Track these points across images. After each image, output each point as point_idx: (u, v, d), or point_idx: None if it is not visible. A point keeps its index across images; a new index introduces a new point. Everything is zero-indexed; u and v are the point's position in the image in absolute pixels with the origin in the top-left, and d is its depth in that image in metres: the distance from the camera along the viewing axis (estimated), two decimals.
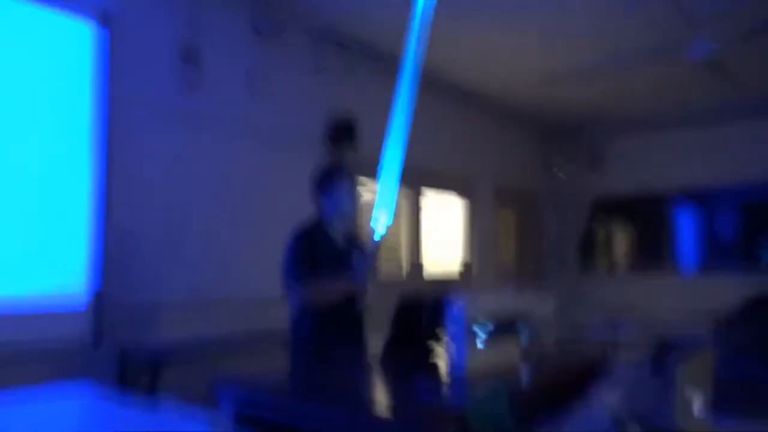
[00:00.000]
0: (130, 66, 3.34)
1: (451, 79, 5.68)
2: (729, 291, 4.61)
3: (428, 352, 2.23)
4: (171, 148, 3.53)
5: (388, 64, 5.03)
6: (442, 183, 6.05)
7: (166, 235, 3.47)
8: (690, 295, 6.46)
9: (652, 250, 7.34)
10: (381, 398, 1.78)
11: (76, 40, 3.02)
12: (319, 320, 2.40)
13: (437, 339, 2.09)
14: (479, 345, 1.95)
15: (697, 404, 1.30)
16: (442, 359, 2.11)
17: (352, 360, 2.20)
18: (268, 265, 3.97)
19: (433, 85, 5.63)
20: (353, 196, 2.59)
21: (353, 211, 2.62)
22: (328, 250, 2.46)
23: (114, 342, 3.13)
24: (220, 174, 3.82)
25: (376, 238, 2.45)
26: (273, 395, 1.63)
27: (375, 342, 2.32)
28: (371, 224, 2.45)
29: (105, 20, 3.11)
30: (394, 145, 2.54)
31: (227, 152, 3.85)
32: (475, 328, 1.92)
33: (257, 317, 3.94)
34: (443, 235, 6.22)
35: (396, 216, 5.60)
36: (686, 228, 7.12)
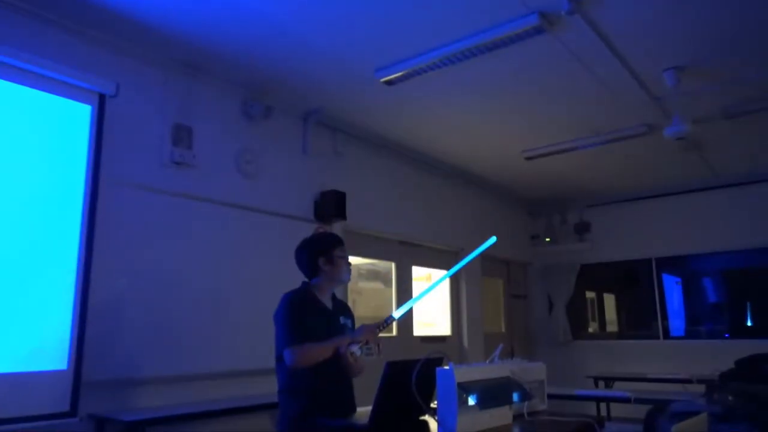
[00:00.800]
0: (122, 145, 3.43)
1: (439, 158, 5.88)
2: (717, 355, 4.61)
3: (418, 418, 2.19)
4: (158, 226, 3.56)
5: (369, 140, 5.22)
6: (429, 259, 6.10)
7: (150, 310, 3.45)
8: (679, 359, 6.44)
9: (640, 316, 7.37)
10: None
11: (74, 120, 3.10)
12: (311, 394, 2.36)
13: (427, 405, 2.05)
14: (470, 411, 1.92)
15: None
16: (432, 425, 2.07)
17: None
18: (253, 339, 3.97)
19: (422, 164, 5.82)
20: (349, 265, 2.60)
21: (348, 279, 2.63)
22: (319, 316, 2.45)
23: (92, 413, 3.07)
24: (209, 250, 3.84)
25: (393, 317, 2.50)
26: None
27: (364, 408, 2.28)
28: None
29: (102, 103, 3.21)
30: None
31: (215, 230, 3.90)
32: (466, 394, 1.90)
33: (239, 389, 3.89)
34: (433, 304, 6.21)
35: (387, 285, 5.64)
36: (672, 294, 7.19)
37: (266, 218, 4.27)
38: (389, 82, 4.01)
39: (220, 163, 4.03)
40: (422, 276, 6.09)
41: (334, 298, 2.64)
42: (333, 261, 2.53)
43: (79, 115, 3.13)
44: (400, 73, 3.87)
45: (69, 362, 2.91)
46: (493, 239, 2.62)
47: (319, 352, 2.32)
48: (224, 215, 3.98)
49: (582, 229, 7.58)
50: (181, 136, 3.76)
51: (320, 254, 2.54)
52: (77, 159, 3.09)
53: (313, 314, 2.43)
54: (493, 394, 2.02)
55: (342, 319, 2.57)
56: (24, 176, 2.86)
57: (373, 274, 5.58)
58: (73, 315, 2.95)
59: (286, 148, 4.56)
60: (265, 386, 4.01)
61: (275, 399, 3.76)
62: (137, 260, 3.43)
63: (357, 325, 2.61)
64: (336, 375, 2.41)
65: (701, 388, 3.86)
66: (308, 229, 4.51)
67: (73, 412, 2.90)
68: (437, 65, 3.75)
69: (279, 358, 2.41)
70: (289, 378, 2.40)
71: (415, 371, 1.98)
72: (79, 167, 3.09)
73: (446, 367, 1.94)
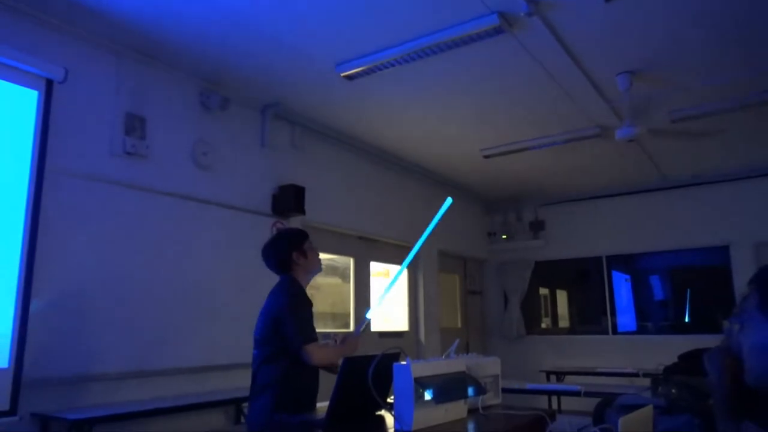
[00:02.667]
0: (71, 133, 3.31)
1: (398, 154, 5.89)
2: (662, 349, 4.80)
3: (374, 413, 2.20)
4: (109, 219, 3.45)
5: (328, 135, 5.19)
6: (387, 254, 6.12)
7: (103, 304, 3.35)
8: (627, 353, 6.68)
9: (591, 312, 7.60)
10: None
11: (19, 106, 2.96)
12: (296, 389, 2.39)
13: (384, 400, 2.06)
14: (426, 405, 1.94)
15: None
16: (388, 420, 2.08)
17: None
18: (207, 334, 3.90)
19: (381, 160, 5.82)
20: (318, 255, 2.68)
21: (321, 269, 2.71)
22: (311, 310, 2.53)
23: (35, 412, 2.95)
24: (162, 244, 3.74)
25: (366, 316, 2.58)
26: None
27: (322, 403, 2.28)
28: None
29: (49, 89, 3.07)
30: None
31: (169, 223, 3.79)
32: (422, 389, 1.91)
33: (192, 386, 3.81)
34: (390, 299, 6.23)
35: (345, 280, 5.62)
36: (620, 291, 7.44)
37: (223, 212, 4.19)
38: (350, 77, 3.99)
39: (175, 154, 3.92)
40: (380, 271, 6.11)
41: None
42: (305, 254, 2.59)
43: (25, 101, 2.99)
44: (360, 69, 3.86)
45: (10, 360, 2.79)
46: (448, 201, 2.70)
47: (337, 355, 2.42)
48: (179, 208, 3.88)
49: (537, 226, 7.76)
50: (134, 125, 3.65)
51: (293, 249, 2.58)
52: (23, 147, 2.95)
53: (308, 307, 2.52)
54: (448, 388, 2.04)
55: None
56: None
57: (331, 270, 5.56)
58: (15, 311, 2.83)
59: (244, 141, 4.49)
60: (219, 383, 3.95)
61: (229, 396, 3.74)
62: (86, 254, 3.31)
63: None
64: (316, 370, 2.49)
65: (647, 382, 4.00)
66: (266, 223, 4.51)
67: (12, 410, 2.79)
68: (398, 62, 3.76)
69: (273, 353, 2.39)
70: (276, 373, 2.38)
71: (371, 366, 1.98)
72: (24, 156, 2.95)
73: (403, 363, 1.96)
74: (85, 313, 3.27)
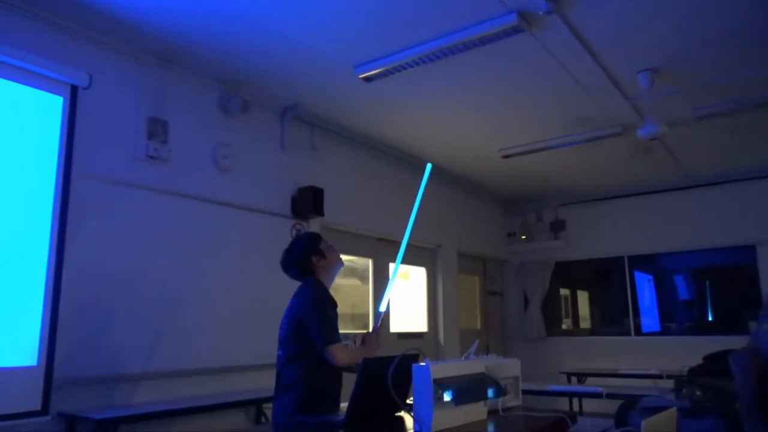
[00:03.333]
0: (95, 138, 3.37)
1: (417, 155, 5.89)
2: (686, 351, 4.72)
3: (394, 414, 2.20)
4: (133, 221, 3.51)
5: (347, 136, 5.21)
6: (406, 255, 6.10)
7: (127, 306, 3.41)
8: (650, 355, 6.58)
9: (612, 313, 7.50)
10: None
11: (45, 112, 3.03)
12: (320, 391, 2.42)
13: (403, 401, 2.06)
14: (445, 407, 1.93)
15: None
16: (408, 421, 2.08)
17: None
18: (230, 335, 3.94)
19: (400, 161, 5.83)
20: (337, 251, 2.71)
21: (343, 264, 2.74)
22: (335, 309, 2.56)
23: (62, 412, 3.01)
24: (185, 246, 3.80)
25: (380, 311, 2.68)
26: None
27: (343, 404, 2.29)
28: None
29: (74, 95, 3.14)
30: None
31: (191, 225, 3.85)
32: (441, 390, 1.91)
33: (215, 387, 3.85)
34: (410, 300, 6.23)
35: (364, 282, 5.64)
36: (643, 292, 7.33)
37: (243, 214, 4.23)
38: (368, 79, 4.01)
39: (196, 157, 3.98)
40: (399, 273, 6.11)
41: None
42: (323, 254, 2.62)
43: (51, 106, 3.06)
44: (379, 70, 3.87)
45: (39, 359, 2.85)
46: (429, 167, 2.70)
47: (360, 355, 2.41)
48: (200, 211, 3.93)
49: (557, 227, 7.68)
50: (156, 129, 3.70)
51: (310, 253, 2.61)
52: (49, 152, 3.02)
53: (333, 308, 2.54)
54: (468, 390, 2.03)
55: None
56: None
57: (350, 271, 5.58)
58: (44, 311, 2.89)
59: (264, 143, 4.53)
60: (241, 383, 3.99)
61: (251, 396, 3.78)
62: (112, 256, 3.37)
63: None
64: (339, 371, 2.51)
65: (671, 384, 3.94)
66: (286, 225, 4.55)
67: (44, 410, 2.84)
68: (416, 62, 3.76)
69: (297, 354, 2.43)
70: (300, 373, 2.42)
71: (391, 368, 1.98)
72: (50, 160, 3.02)
73: (422, 364, 1.95)
74: (111, 315, 3.33)
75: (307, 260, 2.60)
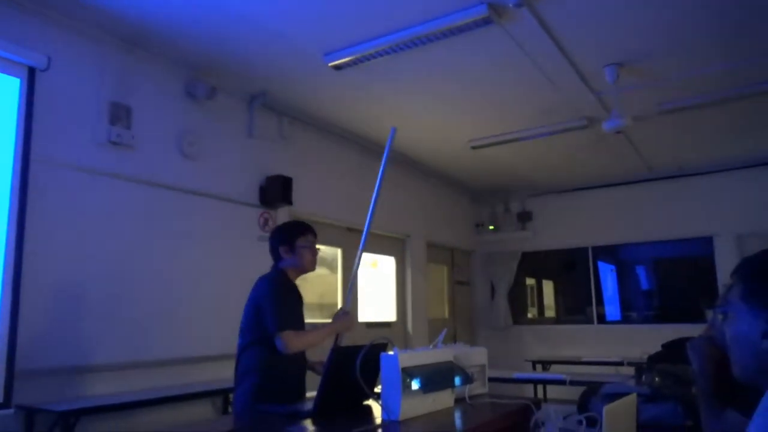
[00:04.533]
0: (55, 123, 3.26)
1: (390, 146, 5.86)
2: (646, 339, 4.86)
3: (362, 402, 2.21)
4: (96, 209, 3.42)
5: (316, 125, 5.17)
6: (376, 245, 6.12)
7: (90, 295, 3.32)
8: (612, 343, 6.76)
9: (577, 302, 7.68)
10: None
11: (1, 94, 2.91)
12: (275, 378, 2.41)
13: (371, 389, 2.07)
14: (413, 395, 1.95)
15: None
16: (376, 408, 2.09)
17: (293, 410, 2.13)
18: (194, 325, 3.89)
19: (370, 151, 5.80)
20: (314, 255, 2.65)
21: (312, 268, 2.66)
22: (295, 300, 2.51)
23: (21, 404, 2.93)
24: (149, 235, 3.72)
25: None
26: None
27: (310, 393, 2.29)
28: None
29: (31, 77, 3.02)
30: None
31: (155, 214, 3.76)
32: (409, 379, 1.92)
33: (181, 377, 3.80)
34: (379, 290, 6.24)
35: (333, 271, 5.62)
36: (606, 281, 7.52)
37: (210, 202, 4.16)
38: (337, 67, 3.97)
39: (161, 144, 3.88)
40: (368, 263, 6.12)
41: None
42: (294, 251, 2.57)
43: (7, 89, 2.94)
44: (348, 58, 3.84)
45: (0, 351, 2.76)
46: (393, 130, 2.70)
47: (316, 339, 2.42)
48: (166, 199, 3.85)
49: (524, 218, 7.80)
50: (119, 114, 3.60)
51: (282, 243, 2.58)
52: (6, 136, 2.91)
53: (291, 298, 2.49)
54: (436, 378, 2.05)
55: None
56: None
57: (318, 260, 5.53)
58: (3, 301, 2.80)
59: (231, 130, 4.45)
60: (207, 373, 3.95)
61: (216, 386, 3.74)
62: (74, 245, 3.28)
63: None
64: (300, 360, 2.50)
65: (632, 371, 4.06)
66: (254, 214, 4.49)
67: (6, 403, 2.76)
68: (387, 51, 3.74)
69: (253, 341, 2.42)
70: (255, 360, 2.41)
71: (359, 357, 1.99)
72: (8, 144, 2.91)
73: (390, 353, 1.96)
74: (73, 304, 3.24)
75: (276, 248, 2.59)
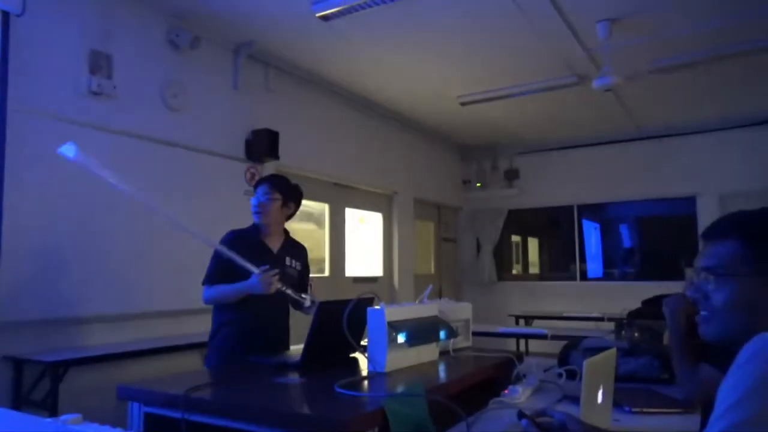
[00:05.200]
0: (32, 71, 3.15)
1: (375, 99, 5.79)
2: (627, 295, 4.97)
3: (349, 355, 2.25)
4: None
5: (304, 78, 5.07)
6: (363, 201, 6.11)
7: (74, 247, 3.29)
8: (594, 299, 6.91)
9: (560, 259, 7.80)
10: (301, 395, 1.76)
11: None
12: (240, 331, 2.46)
13: (358, 343, 2.10)
14: (399, 348, 1.99)
15: (602, 399, 1.40)
16: (362, 360, 2.13)
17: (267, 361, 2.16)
18: (181, 278, 3.88)
19: (358, 106, 5.72)
20: (261, 207, 2.57)
21: (258, 219, 2.59)
22: (255, 256, 2.41)
23: (8, 355, 2.95)
24: (134, 186, 3.64)
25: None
26: (184, 394, 1.58)
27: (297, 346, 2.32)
28: None
29: (6, 22, 2.90)
30: None
31: (138, 166, 3.69)
32: (395, 333, 1.96)
33: (169, 329, 3.83)
34: (366, 245, 6.28)
35: (320, 227, 5.62)
36: (590, 239, 7.62)
37: (195, 155, 4.10)
38: (325, 17, 3.86)
39: (143, 95, 3.78)
40: (356, 218, 6.12)
41: (288, 239, 2.70)
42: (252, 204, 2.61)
43: None
44: (336, 9, 3.73)
45: None
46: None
47: (223, 296, 2.44)
48: (150, 151, 3.78)
49: (511, 175, 7.81)
50: (100, 63, 3.49)
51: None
52: None
53: (247, 251, 2.40)
54: (421, 332, 2.09)
55: (288, 260, 2.62)
56: None
57: (305, 216, 5.54)
58: None
59: (216, 82, 4.34)
60: (194, 326, 3.98)
61: (204, 338, 3.77)
62: (56, 196, 3.22)
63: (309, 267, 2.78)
64: (265, 313, 2.48)
65: (612, 326, 4.16)
66: (240, 168, 4.44)
67: None
68: (375, 2, 3.63)
69: None
70: (219, 313, 2.51)
71: (346, 311, 2.01)
72: None
73: (377, 307, 1.99)
74: (55, 256, 3.22)
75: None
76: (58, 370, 2.85)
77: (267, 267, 2.32)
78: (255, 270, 2.31)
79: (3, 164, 2.86)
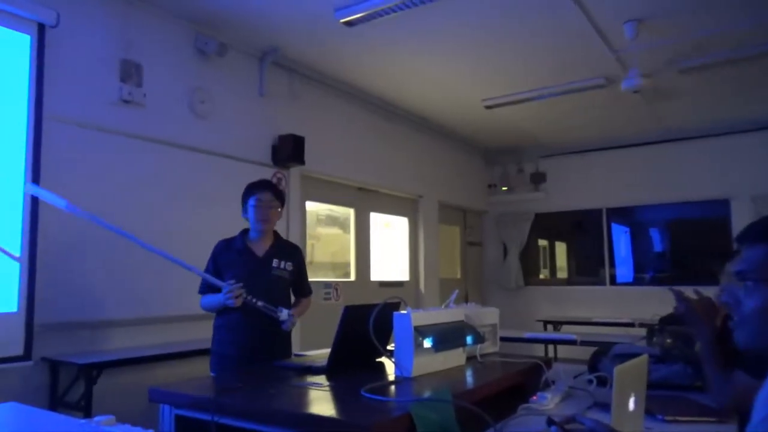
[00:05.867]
0: (66, 80, 3.24)
1: (399, 104, 5.80)
2: (659, 300, 4.86)
3: (375, 360, 2.25)
4: (108, 167, 3.43)
5: (328, 83, 5.10)
6: (388, 205, 6.12)
7: (104, 252, 3.36)
8: (624, 304, 6.78)
9: (589, 263, 7.67)
10: (328, 399, 1.77)
11: (13, 52, 2.89)
12: (233, 339, 2.55)
13: (384, 347, 2.10)
14: (425, 353, 1.98)
15: (633, 406, 1.37)
16: (389, 365, 2.13)
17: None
18: None
19: (382, 110, 5.73)
20: (264, 212, 2.62)
21: (260, 226, 2.63)
22: (240, 263, 2.57)
23: (45, 357, 3.03)
24: (162, 193, 3.73)
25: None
26: (211, 396, 1.60)
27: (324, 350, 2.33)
28: None
29: (41, 34, 3.00)
30: None
31: (167, 172, 3.77)
32: (422, 337, 1.95)
33: (196, 333, 3.88)
34: (391, 250, 6.28)
35: (345, 231, 5.65)
36: (619, 243, 7.49)
37: (222, 161, 4.16)
38: (349, 23, 3.89)
39: (172, 102, 3.86)
40: (381, 223, 6.13)
41: (277, 241, 2.71)
42: (247, 209, 2.65)
43: (19, 46, 2.92)
44: (360, 15, 3.75)
45: (19, 305, 2.83)
46: None
47: (211, 305, 2.57)
48: (178, 157, 3.85)
49: (537, 179, 7.73)
50: (130, 72, 3.57)
51: (242, 205, 2.68)
52: (19, 93, 2.91)
53: (231, 260, 2.57)
54: (447, 337, 2.08)
55: (276, 262, 2.63)
56: None
57: (331, 220, 5.58)
58: (21, 258, 2.85)
59: (242, 89, 4.41)
60: None
61: None
62: (88, 201, 3.29)
63: (307, 266, 2.88)
64: (254, 318, 2.51)
65: (643, 332, 4.07)
66: (267, 174, 4.49)
67: (27, 355, 2.85)
68: (399, 7, 3.64)
69: None
70: (215, 318, 2.64)
71: (372, 315, 2.01)
72: (21, 102, 2.91)
73: (403, 312, 1.98)
74: (87, 261, 3.29)
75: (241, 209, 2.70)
76: (91, 372, 2.91)
77: (233, 281, 2.42)
78: (222, 284, 2.44)
79: (39, 171, 2.94)
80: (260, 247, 2.65)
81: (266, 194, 2.62)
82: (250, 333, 2.52)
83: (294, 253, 2.75)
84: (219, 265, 2.58)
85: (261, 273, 2.57)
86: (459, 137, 7.17)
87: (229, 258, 2.57)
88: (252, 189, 2.66)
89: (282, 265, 2.65)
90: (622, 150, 7.22)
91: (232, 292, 2.39)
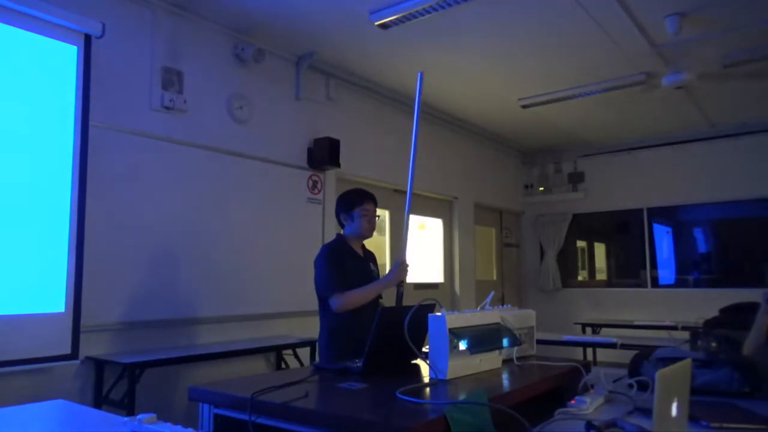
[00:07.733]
0: (111, 88, 3.36)
1: (434, 105, 5.79)
2: (703, 303, 4.72)
3: (410, 361, 2.25)
4: (151, 172, 3.53)
5: (363, 86, 5.13)
6: (424, 207, 6.11)
7: (147, 254, 3.47)
8: (666, 307, 6.59)
9: (629, 265, 7.49)
10: (363, 400, 1.78)
11: (60, 62, 3.01)
12: (350, 338, 2.56)
13: (419, 349, 2.10)
14: (461, 355, 1.97)
15: (676, 412, 1.33)
16: (424, 367, 2.13)
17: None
18: (246, 284, 4.01)
19: (420, 113, 5.71)
20: (372, 222, 2.80)
21: (369, 235, 2.82)
22: (354, 264, 2.70)
23: (91, 356, 3.14)
24: (202, 197, 3.82)
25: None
26: (251, 397, 1.63)
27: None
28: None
29: (87, 44, 3.11)
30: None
31: (207, 176, 3.86)
32: (457, 339, 1.94)
33: (237, 333, 3.96)
34: (427, 251, 6.26)
35: (381, 233, 5.66)
36: (661, 244, 7.28)
37: (261, 165, 4.23)
38: (384, 26, 3.90)
39: (212, 108, 3.95)
40: (416, 225, 6.12)
41: (363, 247, 2.88)
42: (352, 219, 2.76)
43: (66, 57, 3.04)
44: (395, 17, 3.76)
45: (67, 305, 2.94)
46: (420, 75, 2.87)
47: (363, 296, 2.59)
48: (219, 162, 3.94)
49: (576, 178, 7.60)
50: (171, 79, 3.67)
51: (342, 211, 2.79)
52: (66, 102, 3.02)
53: (349, 262, 2.66)
54: (483, 339, 2.06)
55: (371, 266, 2.82)
56: (12, 118, 2.80)
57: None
58: (69, 260, 2.96)
59: (279, 93, 4.48)
60: (260, 331, 4.10)
61: (268, 343, 3.87)
62: (131, 205, 3.42)
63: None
64: (367, 318, 2.53)
65: (686, 335, 3.96)
66: (303, 176, 4.55)
67: (74, 354, 2.96)
68: (433, 8, 3.64)
69: (322, 301, 2.64)
70: (332, 321, 2.62)
71: (407, 317, 2.01)
72: (68, 111, 3.03)
73: (438, 314, 1.98)
74: (131, 263, 3.40)
75: (338, 215, 2.81)
76: (134, 371, 3.00)
77: (402, 259, 2.67)
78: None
79: (85, 177, 3.05)
80: (359, 251, 2.81)
81: (372, 205, 2.81)
82: (361, 334, 2.53)
83: (374, 258, 2.95)
84: (342, 265, 2.67)
85: (368, 273, 2.76)
86: (495, 137, 7.10)
87: (345, 260, 2.68)
88: (361, 199, 2.79)
89: (373, 267, 2.85)
90: (664, 148, 7.02)
91: (406, 266, 2.65)
